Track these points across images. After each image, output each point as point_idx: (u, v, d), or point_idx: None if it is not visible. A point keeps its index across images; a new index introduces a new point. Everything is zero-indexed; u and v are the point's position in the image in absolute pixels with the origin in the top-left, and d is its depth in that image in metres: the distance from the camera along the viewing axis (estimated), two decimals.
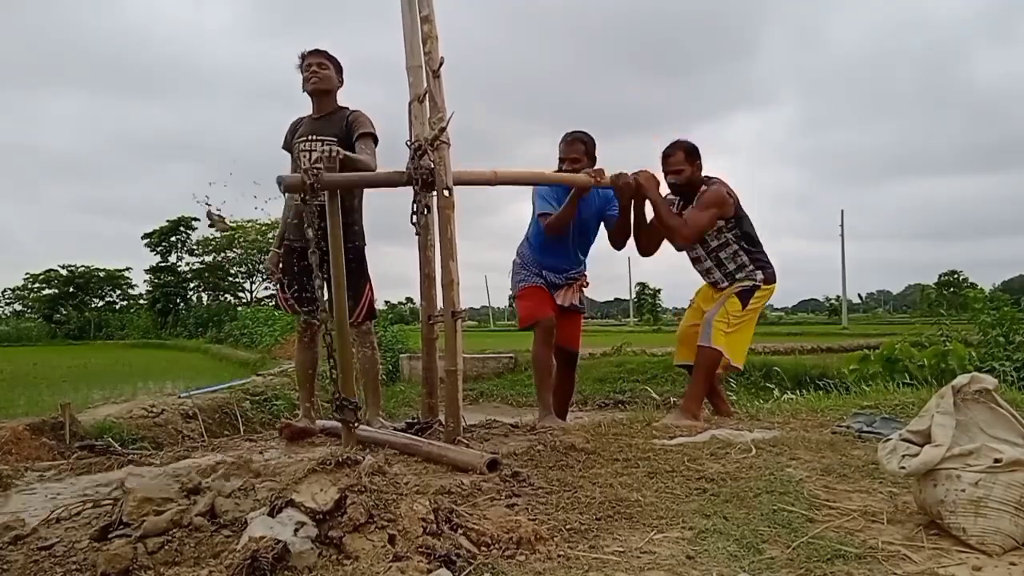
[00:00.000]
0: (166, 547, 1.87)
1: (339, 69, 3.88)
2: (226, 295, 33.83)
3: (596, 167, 4.04)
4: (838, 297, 44.57)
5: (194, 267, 33.06)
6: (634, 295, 46.79)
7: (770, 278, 4.18)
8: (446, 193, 3.33)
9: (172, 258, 32.54)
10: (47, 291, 35.89)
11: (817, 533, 2.07)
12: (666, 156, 4.18)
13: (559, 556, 1.93)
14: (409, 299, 39.46)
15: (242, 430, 6.87)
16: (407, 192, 3.39)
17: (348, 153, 3.32)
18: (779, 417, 4.21)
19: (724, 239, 4.12)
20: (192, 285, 33.34)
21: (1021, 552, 1.95)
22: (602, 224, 4.35)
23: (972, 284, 34.10)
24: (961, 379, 2.21)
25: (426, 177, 3.32)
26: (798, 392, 7.32)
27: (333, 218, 3.10)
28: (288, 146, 3.93)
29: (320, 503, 1.85)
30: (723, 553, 1.94)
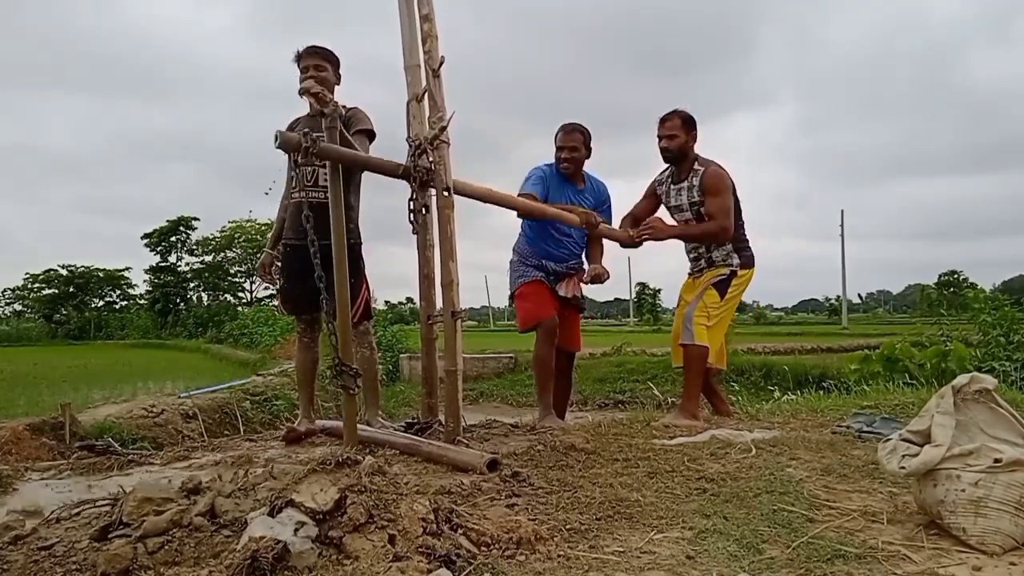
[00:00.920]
0: (166, 547, 1.87)
1: (336, 65, 3.80)
2: (226, 295, 33.88)
3: (596, 218, 4.15)
4: (838, 297, 44.68)
5: (194, 267, 33.11)
6: (634, 295, 46.88)
7: (747, 262, 4.18)
8: (445, 193, 3.33)
9: (172, 258, 32.61)
10: (47, 291, 35.92)
11: (817, 533, 2.07)
12: (663, 121, 4.19)
13: (559, 556, 1.93)
14: (409, 299, 39.57)
15: (242, 430, 6.87)
16: (407, 192, 3.38)
17: (347, 136, 3.24)
18: (779, 417, 4.21)
19: None
20: (192, 285, 33.37)
21: (1021, 552, 1.95)
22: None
23: (972, 284, 34.11)
24: (961, 379, 2.21)
25: (423, 176, 3.31)
26: (798, 392, 7.32)
27: (335, 200, 3.06)
28: None
29: (320, 503, 1.85)
30: (723, 553, 1.94)
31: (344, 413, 3.18)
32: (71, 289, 35.29)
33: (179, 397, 7.67)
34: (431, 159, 3.35)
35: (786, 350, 15.94)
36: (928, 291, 48.86)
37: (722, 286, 4.11)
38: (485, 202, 3.73)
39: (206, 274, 33.05)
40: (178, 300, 31.60)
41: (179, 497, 2.08)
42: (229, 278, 33.78)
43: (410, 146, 3.42)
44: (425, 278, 3.61)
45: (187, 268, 32.99)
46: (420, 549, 1.81)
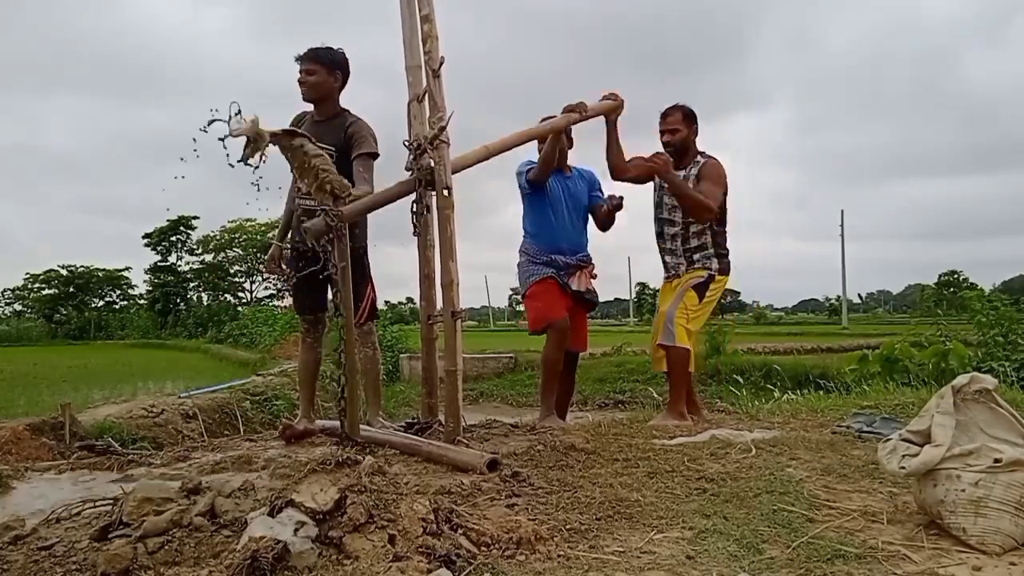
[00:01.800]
0: (166, 547, 1.87)
1: (334, 66, 3.67)
2: (226, 295, 33.87)
3: (577, 102, 4.04)
4: (838, 297, 44.65)
5: (194, 267, 33.12)
6: (634, 295, 46.89)
7: (725, 269, 4.20)
8: (445, 193, 3.33)
9: (172, 258, 32.62)
10: (47, 291, 35.90)
11: (817, 533, 2.07)
12: (664, 115, 4.22)
13: (559, 556, 1.93)
14: (409, 299, 39.52)
15: (242, 430, 6.87)
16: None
17: (352, 190, 3.19)
18: (779, 417, 4.22)
19: None
20: (192, 285, 33.38)
21: (1021, 552, 1.95)
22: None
23: (972, 284, 34.15)
24: (961, 379, 2.22)
25: (428, 176, 3.33)
26: (798, 392, 7.32)
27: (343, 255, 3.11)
28: None
29: (320, 503, 1.85)
30: (723, 553, 1.94)
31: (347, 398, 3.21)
32: (71, 289, 35.27)
33: (179, 397, 7.66)
34: (432, 159, 3.36)
35: (786, 350, 15.93)
36: (928, 291, 48.87)
37: (701, 289, 4.12)
38: (488, 159, 3.67)
39: (206, 274, 33.06)
40: (178, 300, 31.58)
41: (179, 497, 2.08)
42: (229, 278, 33.79)
43: (409, 148, 3.43)
44: (425, 278, 3.61)
45: (187, 268, 33.06)
46: (420, 549, 1.81)
